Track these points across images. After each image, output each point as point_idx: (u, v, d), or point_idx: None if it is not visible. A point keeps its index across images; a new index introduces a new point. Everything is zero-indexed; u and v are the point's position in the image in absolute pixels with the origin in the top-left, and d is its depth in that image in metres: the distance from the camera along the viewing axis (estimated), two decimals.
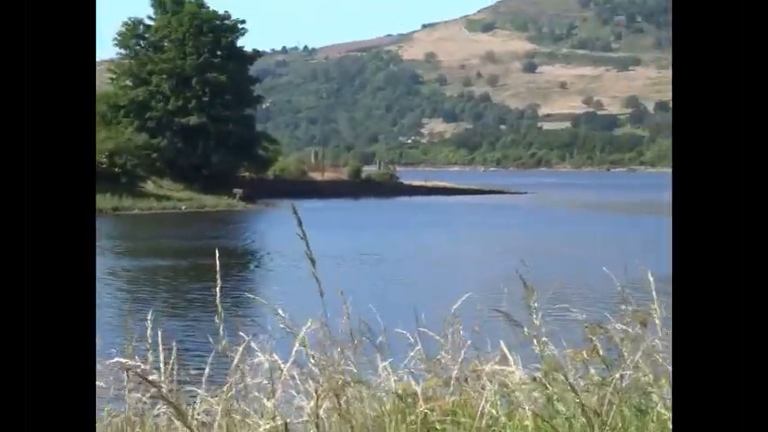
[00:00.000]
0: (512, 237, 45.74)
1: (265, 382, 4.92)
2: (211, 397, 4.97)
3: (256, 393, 4.95)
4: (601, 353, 5.15)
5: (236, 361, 4.81)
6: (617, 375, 4.93)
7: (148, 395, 4.99)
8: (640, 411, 4.90)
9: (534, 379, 5.01)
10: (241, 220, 61.48)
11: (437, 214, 66.29)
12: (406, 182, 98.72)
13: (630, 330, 5.36)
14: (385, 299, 21.08)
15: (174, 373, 5.10)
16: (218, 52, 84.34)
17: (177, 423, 4.33)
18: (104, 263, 33.00)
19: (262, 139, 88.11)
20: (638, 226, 53.62)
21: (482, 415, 4.74)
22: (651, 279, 5.48)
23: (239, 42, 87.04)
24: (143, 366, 4.78)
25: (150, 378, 4.60)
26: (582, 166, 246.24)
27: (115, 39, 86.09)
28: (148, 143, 78.22)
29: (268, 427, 4.34)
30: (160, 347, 5.07)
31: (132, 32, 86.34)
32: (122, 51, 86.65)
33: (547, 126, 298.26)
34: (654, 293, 5.37)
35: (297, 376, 4.89)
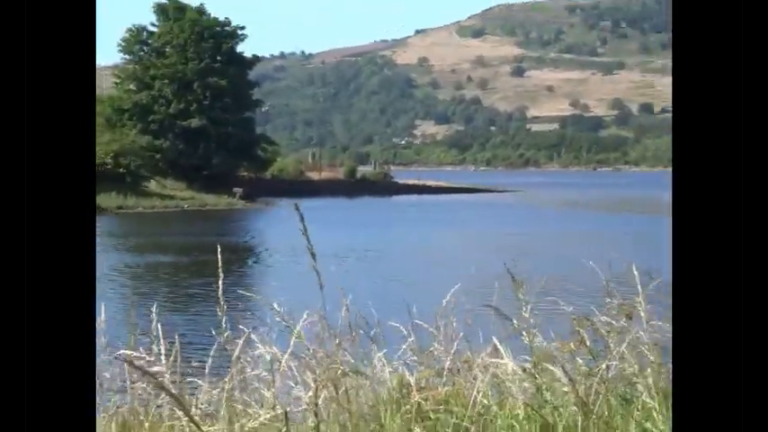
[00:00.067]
0: (502, 234, 45.73)
1: (265, 373, 4.92)
2: (213, 389, 4.97)
3: (256, 384, 4.95)
4: (588, 344, 5.16)
5: (236, 352, 4.80)
6: (603, 366, 4.93)
7: (152, 386, 4.98)
8: (626, 400, 4.90)
9: (524, 370, 5.02)
10: (241, 219, 61.44)
11: (430, 212, 66.27)
12: (400, 181, 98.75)
13: (614, 323, 5.36)
14: (381, 294, 21.07)
15: (178, 364, 5.09)
16: (219, 57, 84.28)
17: (180, 413, 4.32)
18: (109, 259, 32.97)
19: (261, 141, 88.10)
20: (622, 223, 53.69)
21: (474, 404, 4.74)
22: (636, 273, 5.47)
23: (239, 48, 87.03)
24: (147, 358, 4.78)
25: (154, 369, 4.59)
26: (569, 166, 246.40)
27: (119, 45, 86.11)
28: (152, 145, 78.33)
29: (269, 416, 4.34)
30: (161, 339, 5.06)
31: (136, 39, 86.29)
32: (126, 57, 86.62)
33: (535, 128, 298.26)
34: (639, 287, 5.37)
35: (294, 368, 4.89)
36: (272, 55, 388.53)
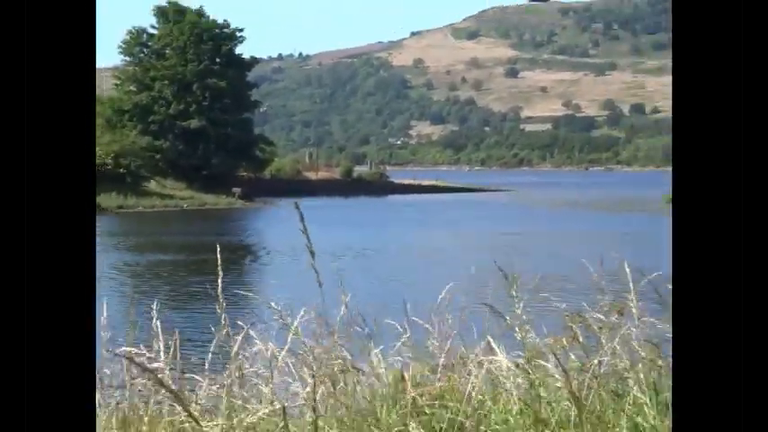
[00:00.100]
0: (496, 233, 45.74)
1: (263, 369, 4.92)
2: (212, 385, 4.97)
3: (255, 380, 4.96)
4: (580, 340, 5.17)
5: (235, 348, 4.80)
6: (595, 361, 4.94)
7: (152, 383, 4.99)
8: (617, 395, 4.91)
9: (517, 366, 5.02)
10: (240, 218, 61.43)
11: (425, 211, 66.27)
12: (395, 181, 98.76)
13: (605, 319, 5.37)
14: (377, 292, 21.07)
15: (178, 361, 5.09)
16: (218, 59, 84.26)
17: (179, 408, 4.33)
18: (109, 258, 32.94)
19: (259, 141, 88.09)
20: (616, 222, 53.72)
21: (469, 399, 4.74)
22: (628, 270, 5.48)
23: (237, 50, 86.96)
24: (148, 355, 4.78)
25: (154, 366, 4.59)
26: (562, 166, 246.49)
27: (120, 47, 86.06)
28: (152, 145, 78.32)
29: (267, 410, 4.34)
30: (160, 336, 5.06)
31: (136, 41, 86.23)
32: (127, 59, 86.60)
33: (528, 128, 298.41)
34: (630, 284, 5.38)
35: (291, 364, 4.90)
36: (269, 57, 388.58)
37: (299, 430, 4.48)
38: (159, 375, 4.41)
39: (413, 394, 4.77)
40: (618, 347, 5.07)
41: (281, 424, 4.14)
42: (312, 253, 4.74)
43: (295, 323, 4.86)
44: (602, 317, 5.37)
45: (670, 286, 5.36)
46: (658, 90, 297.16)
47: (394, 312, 5.81)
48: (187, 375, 5.17)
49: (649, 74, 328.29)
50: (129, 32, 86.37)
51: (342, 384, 4.81)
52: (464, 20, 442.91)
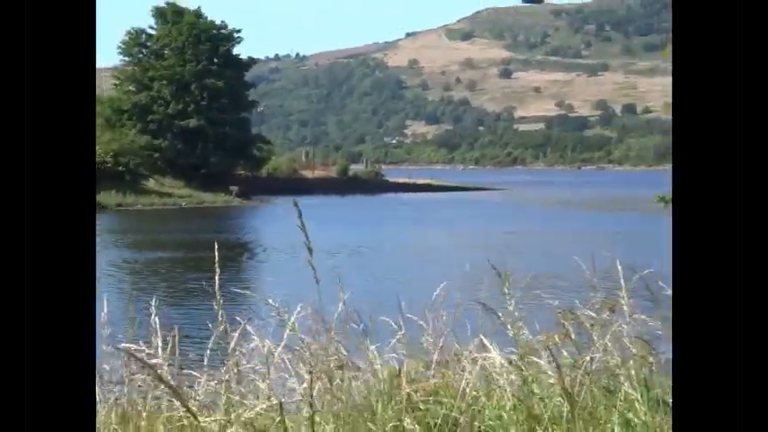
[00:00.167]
0: (490, 231, 45.75)
1: (259, 366, 4.92)
2: (210, 380, 4.97)
3: (252, 376, 4.95)
4: (573, 337, 5.17)
5: (232, 345, 4.80)
6: (587, 358, 4.94)
7: (150, 378, 4.98)
8: (609, 391, 4.92)
9: (510, 362, 5.03)
10: (237, 216, 61.39)
11: (420, 210, 66.27)
12: (390, 179, 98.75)
13: (596, 316, 5.38)
14: (373, 290, 21.07)
15: (176, 357, 5.09)
16: (216, 60, 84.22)
17: (177, 403, 4.32)
18: (108, 255, 32.90)
19: (256, 141, 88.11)
20: (607, 220, 53.76)
21: (463, 395, 4.74)
22: (620, 268, 5.48)
23: (235, 50, 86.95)
24: (147, 351, 4.77)
25: (152, 362, 4.59)
26: (554, 165, 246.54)
27: (119, 47, 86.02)
28: (150, 144, 78.35)
29: (264, 406, 4.34)
30: (158, 332, 5.06)
31: (135, 41, 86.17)
32: (126, 59, 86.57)
33: (522, 127, 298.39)
34: (622, 282, 5.38)
35: (287, 361, 4.89)
36: (267, 57, 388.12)
37: (296, 425, 4.48)
38: (158, 371, 4.40)
39: (408, 390, 4.77)
40: (609, 344, 5.07)
41: (278, 419, 4.14)
42: (310, 250, 4.73)
43: (291, 319, 4.86)
44: (593, 314, 5.38)
45: (661, 283, 5.38)
46: (650, 90, 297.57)
47: (389, 310, 5.80)
48: (185, 371, 5.17)
49: (641, 75, 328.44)
50: (128, 33, 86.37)
51: (338, 380, 4.81)
52: (458, 21, 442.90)
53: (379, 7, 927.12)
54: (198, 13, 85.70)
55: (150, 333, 5.12)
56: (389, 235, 45.22)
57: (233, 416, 4.33)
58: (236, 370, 4.87)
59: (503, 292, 5.29)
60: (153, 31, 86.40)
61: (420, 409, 4.75)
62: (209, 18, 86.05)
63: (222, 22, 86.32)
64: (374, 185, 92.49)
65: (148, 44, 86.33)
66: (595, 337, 5.14)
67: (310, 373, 4.46)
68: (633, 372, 4.90)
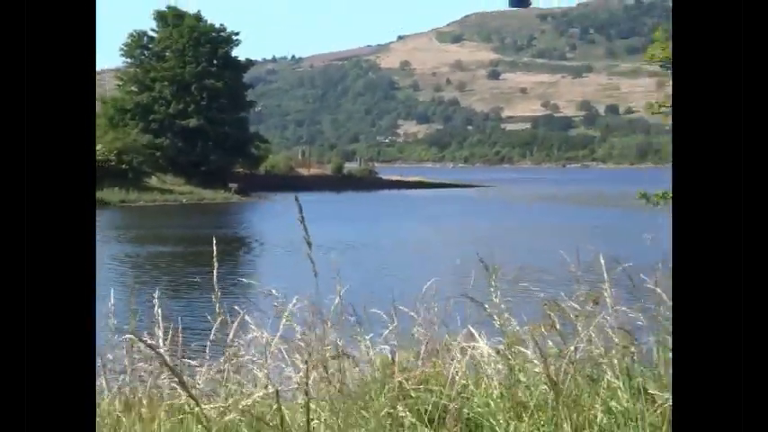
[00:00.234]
0: (479, 226, 45.77)
1: (257, 356, 4.93)
2: (209, 370, 4.97)
3: (250, 366, 4.96)
4: (557, 327, 5.18)
5: (231, 335, 4.80)
6: (572, 348, 4.95)
7: (152, 366, 4.99)
8: (593, 380, 4.93)
9: (498, 352, 5.04)
10: (236, 211, 61.31)
11: (411, 206, 66.27)
12: (383, 177, 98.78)
13: (579, 307, 5.38)
14: (367, 282, 21.06)
15: (178, 347, 5.09)
16: (215, 61, 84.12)
17: (179, 390, 4.32)
18: (111, 249, 32.85)
19: (254, 139, 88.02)
20: (591, 215, 53.79)
21: (452, 384, 4.75)
22: (603, 261, 5.49)
23: (234, 52, 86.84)
24: (149, 341, 4.78)
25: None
26: (541, 163, 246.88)
27: (122, 49, 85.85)
28: (152, 143, 78.33)
29: (262, 394, 4.35)
30: (160, 323, 5.06)
31: (137, 43, 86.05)
32: (128, 60, 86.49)
33: (509, 127, 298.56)
34: (605, 275, 5.39)
35: (284, 351, 4.90)
36: (264, 59, 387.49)
37: (292, 413, 4.49)
38: (161, 356, 4.40)
39: (400, 379, 4.78)
40: (593, 334, 5.08)
41: (275, 406, 4.14)
42: (309, 244, 4.74)
43: (287, 310, 4.87)
44: (578, 306, 5.39)
45: (642, 276, 5.39)
46: (632, 91, 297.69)
47: (382, 302, 5.81)
48: (185, 361, 5.17)
49: (623, 76, 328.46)
50: (131, 36, 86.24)
51: (333, 369, 4.82)
52: (448, 24, 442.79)
53: (372, 11, 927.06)
54: (198, 17, 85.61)
55: (151, 325, 5.12)
56: (383, 230, 45.19)
57: (231, 402, 4.33)
58: (234, 360, 4.88)
59: (490, 285, 5.30)
60: (154, 34, 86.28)
61: (411, 396, 4.75)
62: (208, 21, 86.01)
63: (221, 25, 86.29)
64: (368, 183, 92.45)
65: (150, 46, 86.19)
66: (579, 328, 5.14)
67: (306, 362, 4.47)
68: (616, 361, 4.92)
